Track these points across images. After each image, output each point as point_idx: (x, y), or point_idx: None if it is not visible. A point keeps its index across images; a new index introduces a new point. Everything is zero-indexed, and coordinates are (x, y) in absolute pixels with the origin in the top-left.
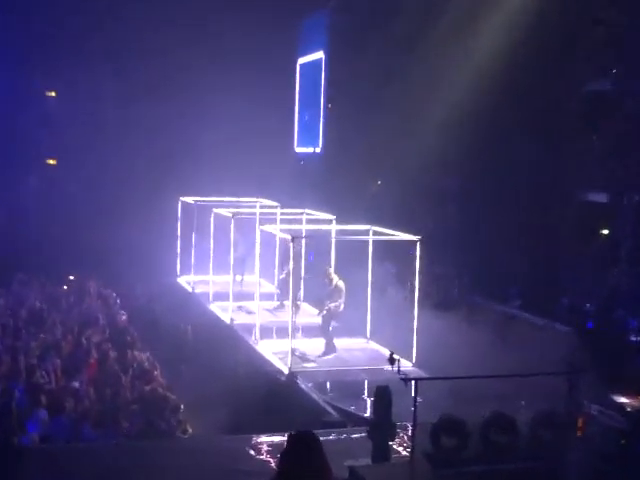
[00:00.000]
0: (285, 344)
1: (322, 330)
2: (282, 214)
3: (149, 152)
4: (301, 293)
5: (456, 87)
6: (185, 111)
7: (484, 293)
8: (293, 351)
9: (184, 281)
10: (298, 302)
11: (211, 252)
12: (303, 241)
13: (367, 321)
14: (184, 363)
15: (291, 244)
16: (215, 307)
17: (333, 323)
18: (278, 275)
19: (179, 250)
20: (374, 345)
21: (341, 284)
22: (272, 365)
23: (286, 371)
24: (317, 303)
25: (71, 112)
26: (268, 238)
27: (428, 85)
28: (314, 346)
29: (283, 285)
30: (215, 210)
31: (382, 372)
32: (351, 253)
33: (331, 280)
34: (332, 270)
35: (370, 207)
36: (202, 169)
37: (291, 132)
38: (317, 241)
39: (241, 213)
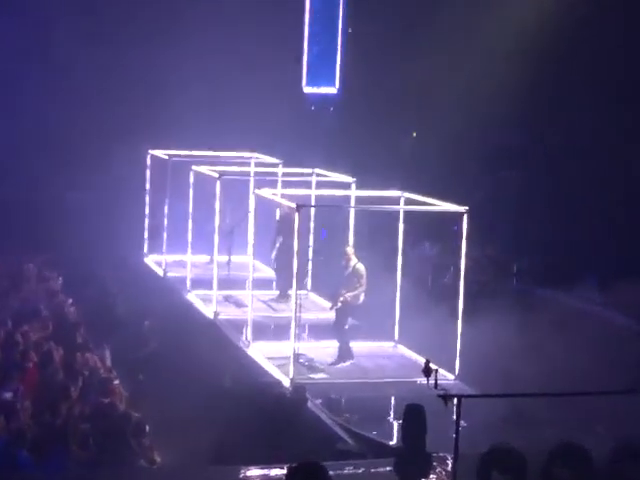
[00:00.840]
0: (286, 347)
1: (336, 329)
2: (284, 175)
3: (107, 88)
4: (308, 280)
5: (523, 8)
6: (158, 37)
7: (549, 283)
8: (297, 357)
9: (153, 261)
10: (304, 292)
11: (189, 224)
12: (312, 211)
13: (395, 319)
14: (143, 371)
15: (296, 215)
16: (194, 297)
17: (350, 320)
18: (271, 249)
19: (147, 221)
20: (404, 350)
21: (361, 267)
22: (268, 375)
23: (287, 383)
24: (330, 294)
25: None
26: (266, 206)
27: (485, 5)
28: (325, 351)
29: (280, 264)
30: (195, 168)
31: (414, 386)
32: (376, 228)
33: (349, 261)
34: (352, 250)
35: (402, 168)
36: (180, 114)
37: (298, 67)
38: (331, 212)
39: (230, 172)
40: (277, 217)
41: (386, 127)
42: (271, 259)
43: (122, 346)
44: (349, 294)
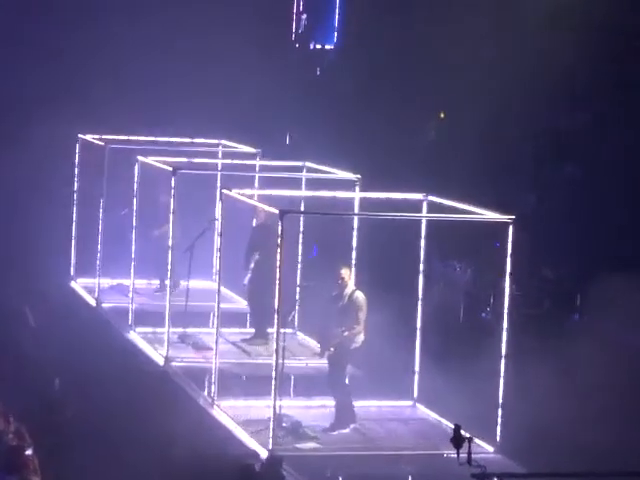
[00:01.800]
0: (264, 407)
1: (332, 382)
2: (263, 168)
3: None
4: (295, 315)
5: None
6: None
7: (629, 319)
8: (279, 420)
9: (82, 287)
10: (289, 331)
11: (132, 236)
12: (301, 219)
13: (414, 368)
14: (60, 442)
15: (279, 224)
16: (137, 336)
17: (351, 369)
18: (244, 271)
19: (75, 232)
20: (425, 412)
21: (360, 296)
22: (239, 445)
23: (265, 455)
24: (321, 334)
25: None
26: (238, 212)
27: None
28: (317, 412)
29: (255, 292)
30: (142, 159)
31: (440, 461)
32: (386, 244)
33: (344, 288)
34: (350, 272)
35: (425, 162)
36: (121, 84)
37: (287, 17)
38: (326, 221)
39: (190, 165)
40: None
41: (404, 106)
42: (244, 285)
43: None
44: (346, 332)
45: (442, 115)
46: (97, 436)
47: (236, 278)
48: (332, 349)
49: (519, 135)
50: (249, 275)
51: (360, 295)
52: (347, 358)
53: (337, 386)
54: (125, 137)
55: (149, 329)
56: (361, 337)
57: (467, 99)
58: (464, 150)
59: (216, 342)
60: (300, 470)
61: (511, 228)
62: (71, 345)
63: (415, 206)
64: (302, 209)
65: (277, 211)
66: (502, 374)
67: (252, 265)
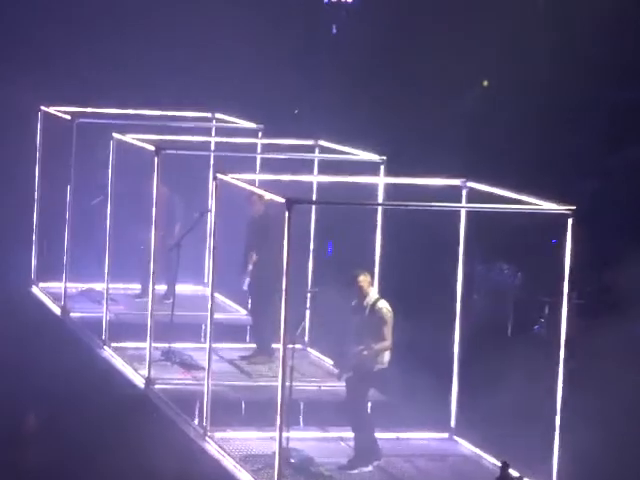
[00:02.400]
0: (267, 439)
1: (350, 409)
2: (267, 148)
3: None
4: (305, 328)
5: None
6: None
7: None
8: (285, 455)
9: (45, 292)
10: (298, 347)
11: (107, 229)
12: (313, 210)
13: (451, 392)
14: None
15: (286, 216)
16: (113, 353)
17: (373, 394)
18: (242, 273)
19: (36, 225)
20: (465, 446)
21: (385, 307)
22: None
23: None
24: (338, 352)
25: None
26: (235, 202)
27: None
28: (332, 446)
29: (257, 300)
30: (119, 136)
31: None
32: (418, 242)
33: (364, 296)
34: (368, 278)
35: (463, 140)
36: (94, 46)
37: None
38: (343, 213)
39: (176, 144)
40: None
41: (435, 71)
42: (243, 291)
43: None
44: (367, 351)
45: (485, 84)
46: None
47: (233, 282)
48: (351, 370)
49: (576, 110)
50: (248, 279)
51: (384, 305)
52: (370, 381)
53: (357, 415)
54: (97, 110)
55: (127, 344)
56: (387, 356)
57: (515, 65)
58: (511, 127)
59: (208, 360)
60: None
61: (570, 222)
62: (30, 366)
63: (452, 194)
64: (314, 198)
65: (283, 200)
66: (559, 400)
67: (250, 267)
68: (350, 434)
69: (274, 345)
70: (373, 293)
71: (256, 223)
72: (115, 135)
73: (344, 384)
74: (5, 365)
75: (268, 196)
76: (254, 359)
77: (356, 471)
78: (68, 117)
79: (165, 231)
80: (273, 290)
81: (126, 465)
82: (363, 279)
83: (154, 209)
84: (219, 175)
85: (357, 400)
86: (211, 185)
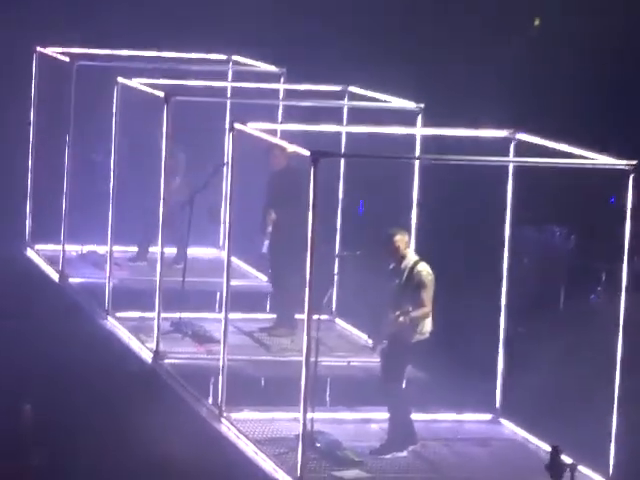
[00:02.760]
0: (289, 420)
1: (385, 386)
2: (289, 94)
3: None
4: (333, 296)
5: None
6: None
7: None
8: (310, 438)
9: (41, 256)
10: (325, 318)
11: (111, 187)
12: (342, 165)
13: (497, 369)
14: None
15: (311, 170)
16: (117, 324)
17: (410, 371)
18: (261, 235)
19: (31, 181)
20: (510, 428)
21: (425, 270)
22: (258, 470)
23: None
24: (372, 322)
25: None
26: (254, 155)
27: None
28: (362, 428)
29: (278, 265)
30: (124, 81)
31: None
32: (460, 200)
33: (400, 260)
34: (406, 238)
35: (511, 87)
36: None
37: None
38: (375, 167)
39: (188, 90)
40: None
41: (483, 15)
42: (262, 254)
43: None
44: (402, 319)
45: (536, 23)
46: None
47: (252, 245)
48: (385, 342)
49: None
50: (267, 242)
51: (424, 268)
52: (407, 354)
53: (393, 393)
54: (99, 51)
55: (133, 314)
56: (427, 326)
57: (565, 7)
58: (566, 72)
59: (224, 332)
60: None
61: (631, 178)
62: (24, 339)
63: (498, 147)
64: (343, 150)
65: (308, 153)
66: (617, 379)
67: (269, 228)
68: (383, 415)
69: (297, 316)
70: (411, 255)
71: (277, 179)
72: (120, 80)
73: (378, 358)
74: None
75: (291, 148)
76: (275, 331)
77: (389, 456)
78: (67, 59)
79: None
80: (296, 254)
81: (132, 449)
82: (400, 239)
83: (163, 162)
84: (236, 125)
85: (393, 376)
86: (227, 136)
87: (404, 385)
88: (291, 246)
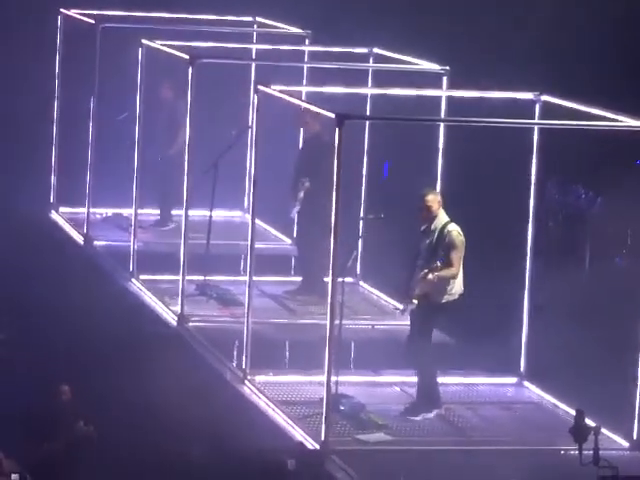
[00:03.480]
0: (313, 383)
1: (412, 350)
2: (314, 56)
3: None
4: (357, 259)
5: None
6: None
7: None
8: (335, 401)
9: (66, 219)
10: (350, 280)
11: (135, 149)
12: (366, 127)
13: (522, 332)
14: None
15: (337, 133)
16: (141, 286)
17: (437, 334)
18: (292, 200)
19: (56, 143)
20: (535, 391)
21: (455, 231)
22: (281, 433)
23: (314, 447)
24: (398, 285)
25: None
26: (280, 117)
27: None
28: (387, 392)
29: (304, 229)
30: (148, 43)
31: (555, 458)
32: (486, 162)
33: (432, 220)
34: (438, 199)
35: (536, 48)
36: None
37: None
38: (401, 130)
39: (214, 51)
40: (301, 141)
41: None
42: (290, 218)
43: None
44: (431, 276)
45: None
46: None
47: (276, 209)
48: (415, 301)
49: None
50: (297, 207)
51: (455, 229)
52: (437, 315)
53: (422, 354)
54: (124, 13)
55: (158, 277)
56: (457, 287)
57: None
58: (592, 32)
59: (248, 295)
60: (360, 469)
61: None
62: (51, 302)
63: (524, 110)
64: (368, 113)
65: (333, 115)
66: None
67: (301, 195)
68: (406, 378)
69: (323, 278)
70: (443, 216)
71: (308, 145)
72: (144, 41)
73: (404, 320)
74: (24, 303)
75: (317, 111)
76: (300, 294)
77: (419, 418)
78: (92, 21)
79: (165, 141)
80: (323, 221)
81: (156, 411)
82: (432, 199)
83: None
84: (261, 87)
85: (422, 337)
86: (252, 98)
87: (431, 347)
88: (320, 213)
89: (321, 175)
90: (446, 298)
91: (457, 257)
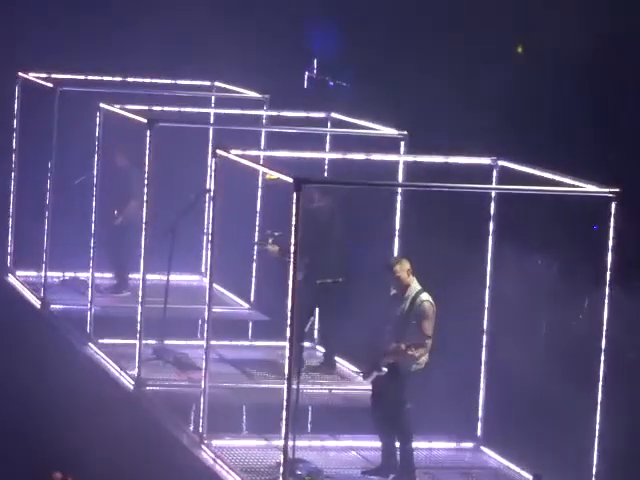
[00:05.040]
0: (271, 449)
1: (393, 416)
2: (272, 120)
3: None
4: (314, 319)
5: None
6: None
7: None
8: (292, 466)
9: (22, 282)
10: (307, 345)
11: (93, 212)
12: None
13: (478, 400)
14: None
15: (294, 198)
16: (100, 352)
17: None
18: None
19: (13, 207)
20: (492, 456)
21: (428, 302)
22: None
23: None
24: (370, 346)
25: None
26: (238, 181)
27: None
28: (346, 457)
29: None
30: (106, 107)
31: None
32: (443, 228)
33: (405, 287)
34: (407, 267)
35: (494, 114)
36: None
37: None
38: (359, 194)
39: (172, 115)
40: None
41: (466, 42)
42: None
43: None
44: (411, 351)
45: (519, 50)
46: None
47: (233, 272)
48: (384, 369)
49: (627, 80)
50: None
51: (428, 299)
52: (406, 383)
53: (403, 421)
54: (82, 77)
55: (114, 341)
56: (425, 357)
57: (556, 27)
58: (549, 99)
59: (205, 359)
60: None
61: (613, 205)
62: (5, 365)
63: (480, 174)
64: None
65: (291, 180)
66: (599, 406)
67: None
68: (365, 443)
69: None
70: (415, 284)
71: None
72: (102, 105)
73: (360, 385)
74: None
75: (273, 176)
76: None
77: None
78: (50, 85)
79: (118, 208)
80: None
81: (113, 475)
82: (400, 268)
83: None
84: (219, 151)
85: (400, 405)
86: (210, 161)
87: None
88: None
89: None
90: (414, 367)
91: (430, 327)
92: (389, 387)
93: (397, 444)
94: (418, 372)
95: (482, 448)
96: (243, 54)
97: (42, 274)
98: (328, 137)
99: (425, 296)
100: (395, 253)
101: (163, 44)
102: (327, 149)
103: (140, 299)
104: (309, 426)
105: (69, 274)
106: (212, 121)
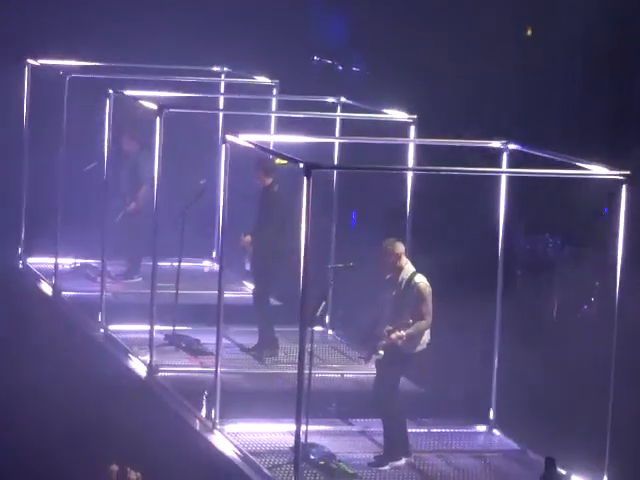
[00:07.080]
0: (284, 434)
1: (380, 397)
2: (282, 105)
3: None
4: (327, 304)
5: None
6: None
7: None
8: (304, 451)
9: (35, 269)
10: (319, 330)
11: (103, 200)
12: (335, 176)
13: (492, 381)
14: None
15: (305, 183)
16: (111, 338)
17: (405, 383)
18: (244, 253)
19: (25, 194)
20: (505, 439)
21: (423, 282)
22: None
23: None
24: (363, 335)
25: None
26: (246, 168)
27: None
28: (355, 440)
29: (254, 278)
30: (114, 92)
31: None
32: (453, 212)
33: (398, 271)
34: (402, 248)
35: (504, 98)
36: None
37: None
38: (369, 179)
39: (182, 101)
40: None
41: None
42: (246, 272)
43: None
44: (402, 332)
45: (529, 32)
46: None
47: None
48: (381, 352)
49: (638, 63)
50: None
51: (422, 281)
52: (405, 365)
53: (388, 404)
54: (91, 63)
55: (126, 327)
56: (425, 336)
57: (565, 11)
58: (560, 82)
59: (217, 344)
60: None
61: (624, 188)
62: (17, 353)
63: (492, 158)
64: (335, 162)
65: (301, 165)
66: (612, 390)
67: (248, 249)
68: (376, 427)
69: (281, 328)
70: (408, 267)
71: (262, 197)
72: (111, 91)
73: (372, 369)
74: None
75: (285, 159)
76: (259, 352)
77: (387, 467)
78: (59, 72)
79: (128, 194)
80: (269, 271)
81: (127, 460)
82: (394, 247)
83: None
84: (229, 136)
85: (388, 387)
86: (222, 148)
87: (398, 396)
88: (265, 264)
89: (272, 222)
90: (418, 348)
91: (427, 309)
92: (387, 370)
93: (381, 427)
94: (420, 352)
95: (495, 431)
96: (254, 40)
97: (54, 261)
98: (338, 121)
99: (419, 278)
100: (407, 239)
101: (172, 31)
102: (337, 133)
103: (152, 285)
104: (321, 410)
105: (80, 261)
106: (222, 107)
